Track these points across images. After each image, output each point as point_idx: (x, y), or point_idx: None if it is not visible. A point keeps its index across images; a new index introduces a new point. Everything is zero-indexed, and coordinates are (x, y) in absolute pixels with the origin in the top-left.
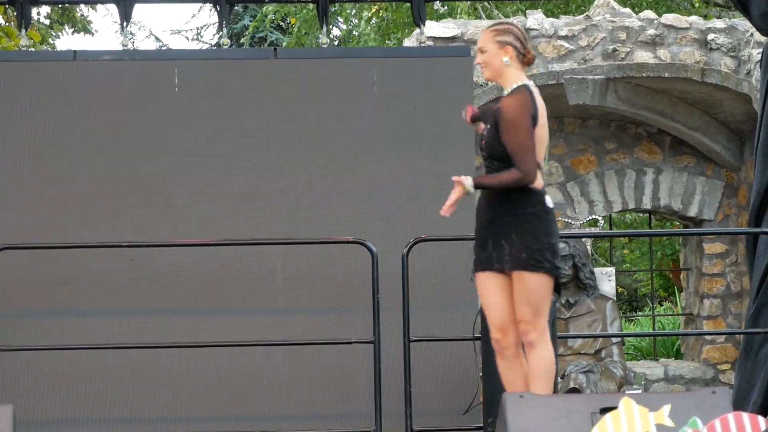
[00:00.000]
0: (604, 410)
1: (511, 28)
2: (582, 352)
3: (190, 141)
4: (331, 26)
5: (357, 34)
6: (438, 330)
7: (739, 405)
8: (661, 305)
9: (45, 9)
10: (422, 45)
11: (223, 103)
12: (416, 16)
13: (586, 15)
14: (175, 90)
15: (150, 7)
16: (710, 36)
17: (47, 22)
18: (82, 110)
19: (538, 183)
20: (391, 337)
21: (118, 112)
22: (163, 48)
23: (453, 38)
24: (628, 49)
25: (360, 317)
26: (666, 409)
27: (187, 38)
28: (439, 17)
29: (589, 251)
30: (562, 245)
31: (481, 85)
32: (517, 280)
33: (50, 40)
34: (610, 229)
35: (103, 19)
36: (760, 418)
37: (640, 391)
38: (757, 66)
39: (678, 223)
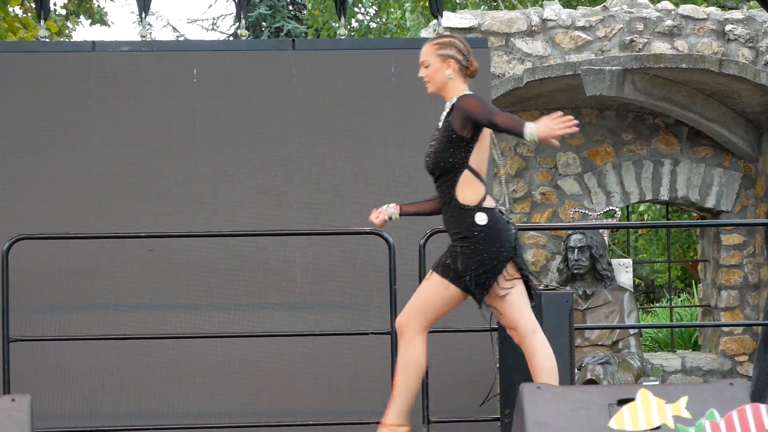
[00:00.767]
0: (622, 402)
1: (453, 41)
2: (599, 343)
3: (208, 132)
4: (352, 16)
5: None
6: (454, 321)
7: (756, 397)
8: (679, 296)
9: (61, 0)
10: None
11: (241, 93)
12: (433, 7)
13: (604, 6)
14: (193, 81)
15: None
16: (728, 27)
17: (63, 12)
18: (100, 101)
19: (469, 199)
20: None
21: (136, 103)
22: (180, 38)
23: (470, 29)
24: (646, 40)
25: (377, 308)
26: (683, 400)
27: (204, 28)
28: (455, 8)
29: (607, 242)
30: (579, 236)
31: (498, 77)
32: None
33: (67, 31)
34: (627, 220)
35: (120, 9)
36: None
37: (657, 383)
38: None
39: (695, 214)
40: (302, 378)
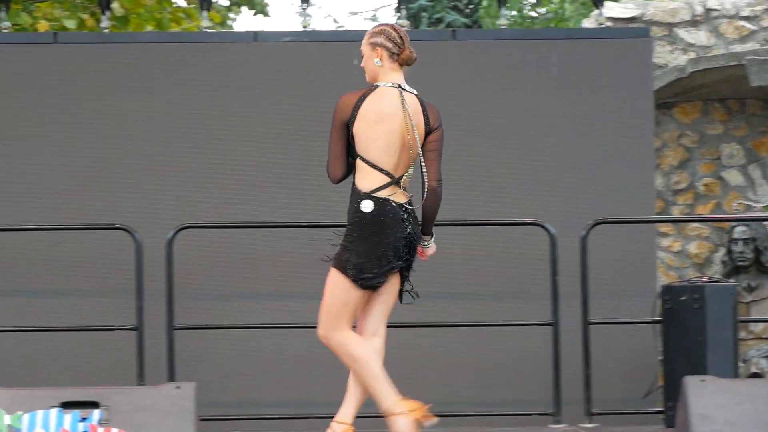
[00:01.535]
0: None
1: (385, 29)
2: (764, 336)
3: None
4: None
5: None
6: (617, 313)
7: None
8: None
9: None
10: (601, 26)
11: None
12: None
13: None
14: (353, 71)
15: None
16: None
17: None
18: (263, 91)
19: (363, 186)
20: (570, 319)
21: (297, 93)
22: (341, 29)
23: (632, 19)
24: None
25: (538, 299)
26: None
27: (366, 19)
28: None
29: None
30: (743, 228)
31: (661, 67)
32: None
33: (228, 21)
34: None
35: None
36: None
37: None
38: None
39: None
40: (463, 368)
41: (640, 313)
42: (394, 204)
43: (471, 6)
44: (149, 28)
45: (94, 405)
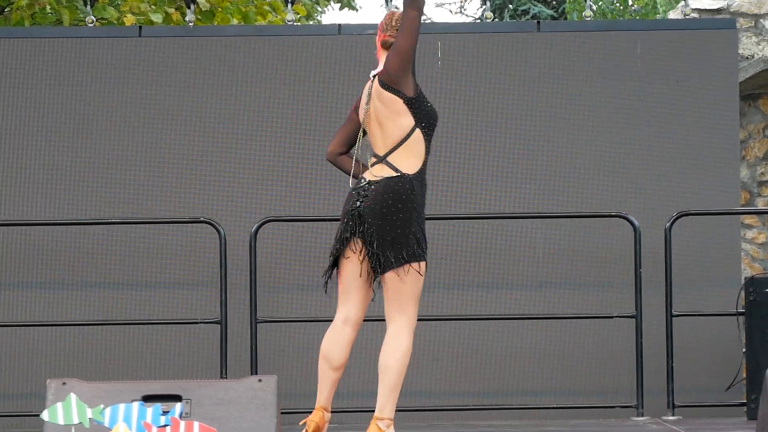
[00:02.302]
0: None
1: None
2: None
3: (452, 114)
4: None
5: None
6: (700, 305)
7: None
8: None
9: None
10: (687, 17)
11: (485, 76)
12: None
13: None
14: (438, 63)
15: None
16: None
17: None
18: (346, 83)
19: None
20: (653, 311)
21: None
22: (426, 21)
23: (718, 10)
24: None
25: (621, 292)
26: None
27: (450, 11)
28: None
29: None
30: None
31: (747, 58)
32: None
33: (315, 15)
34: None
35: None
36: None
37: None
38: None
39: None
40: (545, 359)
41: (724, 305)
42: (363, 182)
43: None
44: (234, 21)
45: (176, 398)
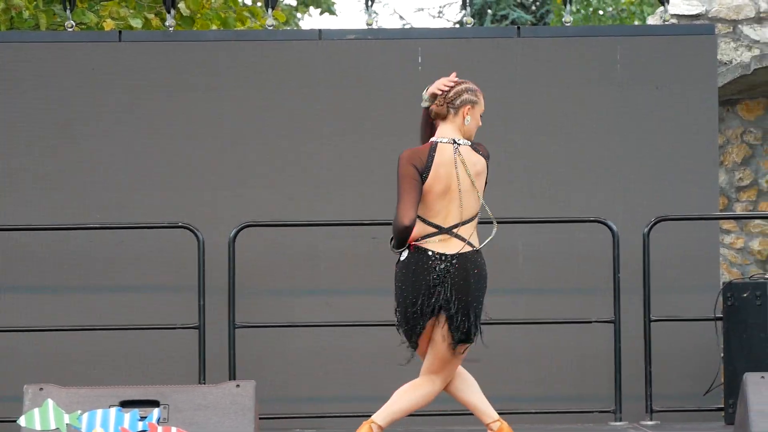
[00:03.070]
0: None
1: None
2: None
3: None
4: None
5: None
6: (679, 310)
7: None
8: None
9: None
10: (666, 23)
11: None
12: None
13: None
14: (418, 68)
15: None
16: None
17: (294, 2)
18: (327, 89)
19: (414, 234)
20: (632, 317)
21: (362, 91)
22: (406, 26)
23: (697, 16)
24: None
25: (600, 297)
26: None
27: (431, 16)
28: None
29: None
30: None
31: (725, 64)
32: None
33: (295, 20)
34: None
35: None
36: None
37: None
38: None
39: None
40: (524, 364)
41: (702, 311)
42: (429, 253)
43: (537, 3)
44: (214, 27)
45: (153, 404)
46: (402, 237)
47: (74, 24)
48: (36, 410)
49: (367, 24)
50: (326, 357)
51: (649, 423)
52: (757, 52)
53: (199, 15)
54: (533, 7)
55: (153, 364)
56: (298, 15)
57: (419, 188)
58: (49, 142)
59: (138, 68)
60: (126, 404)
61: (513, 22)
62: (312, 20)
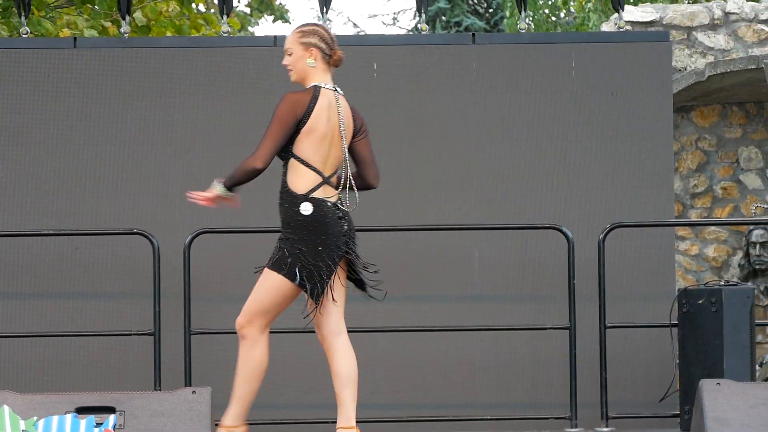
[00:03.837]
0: None
1: (317, 29)
2: None
3: (387, 126)
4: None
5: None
6: (634, 317)
7: None
8: None
9: None
10: (621, 30)
11: (421, 88)
12: (615, 0)
13: None
14: (373, 75)
15: None
16: None
17: (248, 10)
18: (281, 95)
19: (298, 187)
20: (587, 323)
21: None
22: (360, 33)
23: (651, 23)
24: None
25: (555, 303)
26: None
27: (384, 23)
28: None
29: None
30: (761, 231)
31: (680, 70)
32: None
33: (248, 27)
34: None
35: (301, 5)
36: None
37: None
38: None
39: None
40: (479, 371)
41: (658, 317)
42: (329, 204)
43: (490, 10)
44: (169, 34)
45: (109, 410)
46: (247, 179)
47: (29, 31)
48: None
49: None
50: (280, 363)
51: (605, 429)
52: (711, 58)
53: (154, 23)
54: (486, 14)
55: (108, 371)
56: (252, 21)
57: (286, 135)
58: (2, 148)
59: (93, 74)
60: (82, 410)
61: (467, 29)
62: (266, 27)
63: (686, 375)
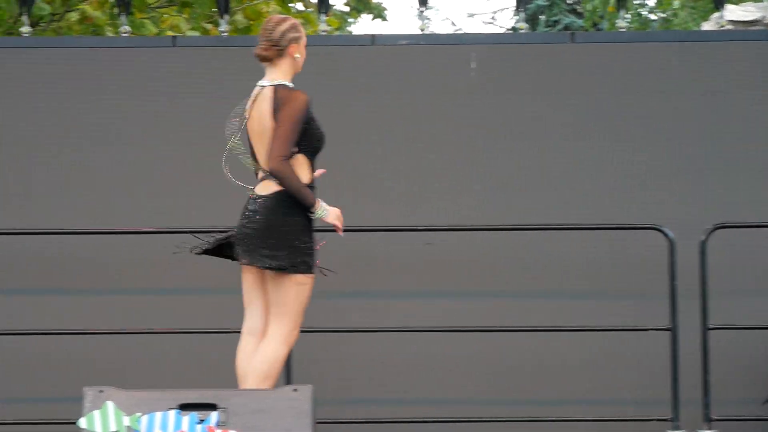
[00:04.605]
0: None
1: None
2: None
3: (487, 125)
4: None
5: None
6: (737, 317)
7: None
8: None
9: None
10: (721, 29)
11: (518, 87)
12: None
13: None
14: (471, 74)
15: None
16: None
17: (347, 9)
18: (379, 94)
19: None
20: (689, 324)
21: (414, 96)
22: (458, 32)
23: (753, 22)
24: None
25: (657, 304)
26: None
27: (483, 22)
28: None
29: None
30: None
31: None
32: None
33: (346, 26)
34: None
35: (400, 3)
36: None
37: None
38: None
39: None
40: (580, 371)
41: (761, 318)
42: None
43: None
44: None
45: (211, 407)
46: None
47: (129, 30)
48: (96, 412)
49: (420, 29)
50: (382, 362)
51: (707, 431)
52: None
53: (253, 23)
54: (586, 13)
55: (211, 368)
56: (350, 20)
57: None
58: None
59: (192, 73)
60: (185, 407)
61: (566, 28)
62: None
63: None
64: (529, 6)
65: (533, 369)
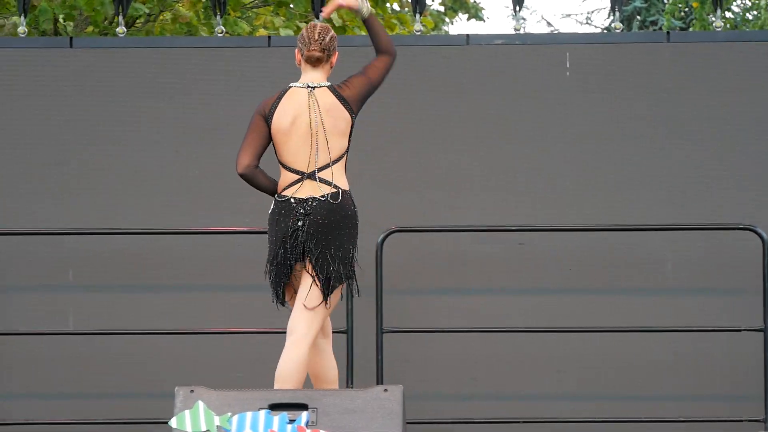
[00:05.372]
0: None
1: (302, 31)
2: None
3: (580, 125)
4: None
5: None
6: None
7: None
8: None
9: None
10: None
11: (614, 87)
12: None
13: None
14: (566, 74)
15: None
16: None
17: (441, 8)
18: (473, 94)
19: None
20: None
21: (508, 96)
22: (554, 32)
23: None
24: None
25: (749, 304)
26: None
27: (579, 22)
28: None
29: None
30: None
31: None
32: None
33: (442, 26)
34: None
35: (495, 3)
36: None
37: None
38: None
39: None
40: (670, 370)
41: None
42: (292, 202)
43: (685, 10)
44: (363, 33)
45: (302, 407)
46: (248, 183)
47: (224, 30)
48: (187, 411)
49: (515, 29)
50: (473, 362)
51: None
52: None
53: (348, 24)
54: (681, 13)
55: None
56: (447, 20)
57: (259, 137)
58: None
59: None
60: (275, 407)
61: (662, 29)
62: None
63: None
64: (625, 8)
65: (624, 368)
